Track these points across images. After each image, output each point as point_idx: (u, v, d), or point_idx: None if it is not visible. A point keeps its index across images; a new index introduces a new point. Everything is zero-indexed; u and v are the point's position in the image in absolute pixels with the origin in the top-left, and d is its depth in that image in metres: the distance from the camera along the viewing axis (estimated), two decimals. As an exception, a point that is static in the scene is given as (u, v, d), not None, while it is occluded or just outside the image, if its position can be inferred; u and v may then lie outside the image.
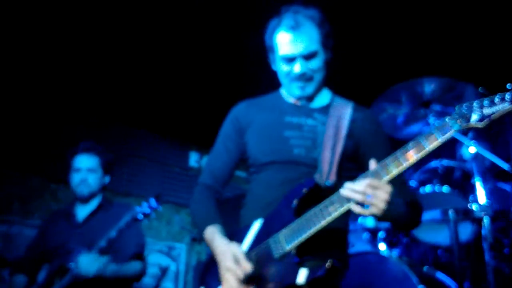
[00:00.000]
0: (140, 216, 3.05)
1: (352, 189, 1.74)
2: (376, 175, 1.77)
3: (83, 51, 4.76)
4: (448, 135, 1.71)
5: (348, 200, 1.76)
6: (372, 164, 1.80)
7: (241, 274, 1.85)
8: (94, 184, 3.49)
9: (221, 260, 1.95)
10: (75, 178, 3.49)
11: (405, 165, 1.74)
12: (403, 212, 1.92)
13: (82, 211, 3.50)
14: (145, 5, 4.30)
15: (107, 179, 3.63)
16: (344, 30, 4.32)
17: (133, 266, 3.32)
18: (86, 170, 3.48)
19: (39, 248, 3.51)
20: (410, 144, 1.75)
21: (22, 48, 4.64)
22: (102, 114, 3.63)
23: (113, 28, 4.52)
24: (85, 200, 3.50)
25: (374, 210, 1.72)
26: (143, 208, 3.08)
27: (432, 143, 1.72)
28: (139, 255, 3.39)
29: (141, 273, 3.37)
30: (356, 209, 1.74)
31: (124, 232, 3.21)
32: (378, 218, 1.79)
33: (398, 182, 1.99)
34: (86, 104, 5.34)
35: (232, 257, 1.90)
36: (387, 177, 1.75)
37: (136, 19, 4.45)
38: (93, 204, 3.52)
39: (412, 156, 1.73)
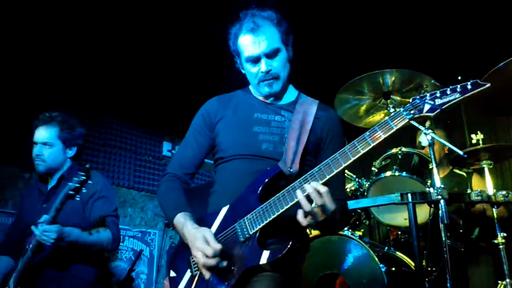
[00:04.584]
0: (71, 192, 2.77)
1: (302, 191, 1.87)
2: (322, 173, 1.89)
3: (56, 41, 4.75)
4: (401, 124, 1.85)
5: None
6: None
7: (211, 252, 1.93)
8: (50, 159, 3.18)
9: (192, 242, 2.01)
10: (32, 152, 3.19)
11: (362, 152, 1.86)
12: (336, 220, 2.01)
13: (48, 186, 3.24)
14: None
15: (70, 152, 3.28)
16: (309, 25, 4.47)
17: (101, 233, 3.05)
18: (41, 144, 3.17)
19: (18, 227, 3.32)
20: (368, 132, 1.88)
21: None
22: (76, 103, 3.59)
23: (87, 21, 4.52)
24: (45, 175, 3.23)
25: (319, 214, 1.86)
26: (74, 183, 2.77)
27: (387, 132, 1.85)
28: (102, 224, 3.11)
29: (110, 241, 3.09)
30: (303, 202, 1.86)
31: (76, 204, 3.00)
32: (316, 223, 1.91)
33: (337, 181, 2.16)
34: (59, 94, 5.30)
35: (202, 238, 1.98)
36: (329, 176, 1.89)
37: (112, 13, 4.47)
38: (55, 178, 3.23)
39: (368, 143, 1.86)
